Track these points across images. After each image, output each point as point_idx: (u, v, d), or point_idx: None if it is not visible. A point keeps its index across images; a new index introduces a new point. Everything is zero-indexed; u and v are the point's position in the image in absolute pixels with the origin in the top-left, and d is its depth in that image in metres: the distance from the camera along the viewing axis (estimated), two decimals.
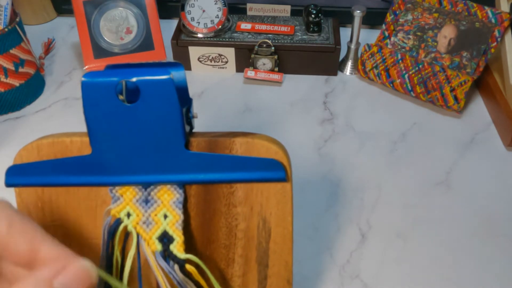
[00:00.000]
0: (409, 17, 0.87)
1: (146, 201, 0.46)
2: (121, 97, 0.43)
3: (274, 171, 0.45)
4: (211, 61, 0.94)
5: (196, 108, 0.82)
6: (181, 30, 0.94)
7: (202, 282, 0.45)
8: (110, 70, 0.43)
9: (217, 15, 0.92)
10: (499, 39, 0.81)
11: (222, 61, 0.94)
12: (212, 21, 0.92)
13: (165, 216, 0.45)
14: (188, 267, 0.45)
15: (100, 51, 0.93)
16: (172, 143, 0.44)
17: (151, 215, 0.45)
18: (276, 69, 0.92)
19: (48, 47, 1.01)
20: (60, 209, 0.47)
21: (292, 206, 0.47)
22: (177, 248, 0.45)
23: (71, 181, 0.45)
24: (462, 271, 0.62)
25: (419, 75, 0.84)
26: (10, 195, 0.48)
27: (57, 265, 0.31)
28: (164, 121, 0.43)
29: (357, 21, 0.89)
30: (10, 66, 0.83)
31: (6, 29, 0.81)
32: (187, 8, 0.91)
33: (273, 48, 0.90)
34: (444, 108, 0.83)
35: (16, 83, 0.85)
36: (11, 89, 0.85)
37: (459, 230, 0.66)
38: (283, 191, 0.46)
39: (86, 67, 0.93)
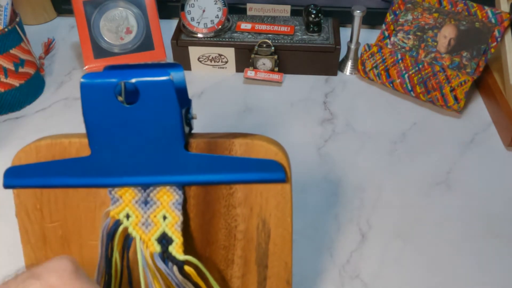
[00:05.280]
0: (409, 17, 0.87)
1: (146, 202, 0.46)
2: (120, 98, 0.43)
3: (274, 172, 0.45)
4: (211, 61, 0.94)
5: (196, 108, 0.81)
6: (181, 30, 0.94)
7: (201, 283, 0.45)
8: (109, 71, 0.43)
9: (217, 15, 0.91)
10: (499, 39, 0.81)
11: (222, 61, 0.94)
12: (212, 21, 0.92)
13: (164, 217, 0.45)
14: (187, 268, 0.45)
15: (100, 51, 0.93)
16: (172, 144, 0.44)
17: (150, 216, 0.45)
18: (276, 69, 0.92)
19: (48, 47, 1.01)
20: (58, 210, 0.47)
21: (292, 207, 0.46)
22: (176, 250, 0.45)
23: (70, 182, 0.45)
24: (462, 271, 0.62)
25: (419, 75, 0.84)
26: (9, 196, 0.48)
27: None
28: (163, 122, 0.43)
29: (357, 21, 0.89)
30: (10, 66, 0.83)
31: (6, 29, 0.81)
32: (187, 8, 0.91)
33: (273, 48, 0.90)
34: (444, 108, 0.83)
35: (16, 83, 0.85)
36: (11, 89, 0.85)
37: (459, 230, 0.66)
38: (283, 192, 0.46)
39: (86, 67, 0.93)
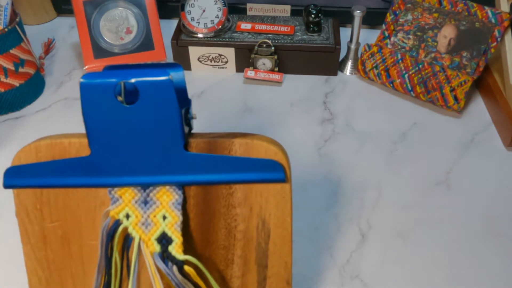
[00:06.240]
0: (409, 17, 0.87)
1: (145, 202, 0.46)
2: (119, 98, 0.43)
3: (273, 172, 0.45)
4: (211, 61, 0.94)
5: (196, 108, 0.82)
6: (181, 30, 0.94)
7: (200, 283, 0.45)
8: (109, 71, 0.42)
9: (217, 15, 0.91)
10: (499, 39, 0.81)
11: (222, 61, 0.94)
12: (212, 21, 0.92)
13: (164, 217, 0.45)
14: (187, 268, 0.45)
15: (100, 51, 0.93)
16: (171, 144, 0.44)
17: (150, 216, 0.45)
18: (276, 69, 0.92)
19: (48, 47, 1.01)
20: (58, 210, 0.47)
21: (292, 207, 0.46)
22: (176, 249, 0.45)
23: (70, 182, 0.45)
24: (462, 271, 0.62)
25: (419, 75, 0.84)
26: (9, 196, 0.49)
27: None
28: (163, 122, 0.43)
29: (357, 21, 0.89)
30: (10, 66, 0.83)
31: (6, 29, 0.81)
32: (187, 8, 0.91)
33: (273, 48, 0.90)
34: (444, 108, 0.83)
35: (16, 83, 0.85)
36: (11, 89, 0.85)
37: (459, 230, 0.66)
38: (283, 192, 0.46)
39: (86, 67, 0.93)
